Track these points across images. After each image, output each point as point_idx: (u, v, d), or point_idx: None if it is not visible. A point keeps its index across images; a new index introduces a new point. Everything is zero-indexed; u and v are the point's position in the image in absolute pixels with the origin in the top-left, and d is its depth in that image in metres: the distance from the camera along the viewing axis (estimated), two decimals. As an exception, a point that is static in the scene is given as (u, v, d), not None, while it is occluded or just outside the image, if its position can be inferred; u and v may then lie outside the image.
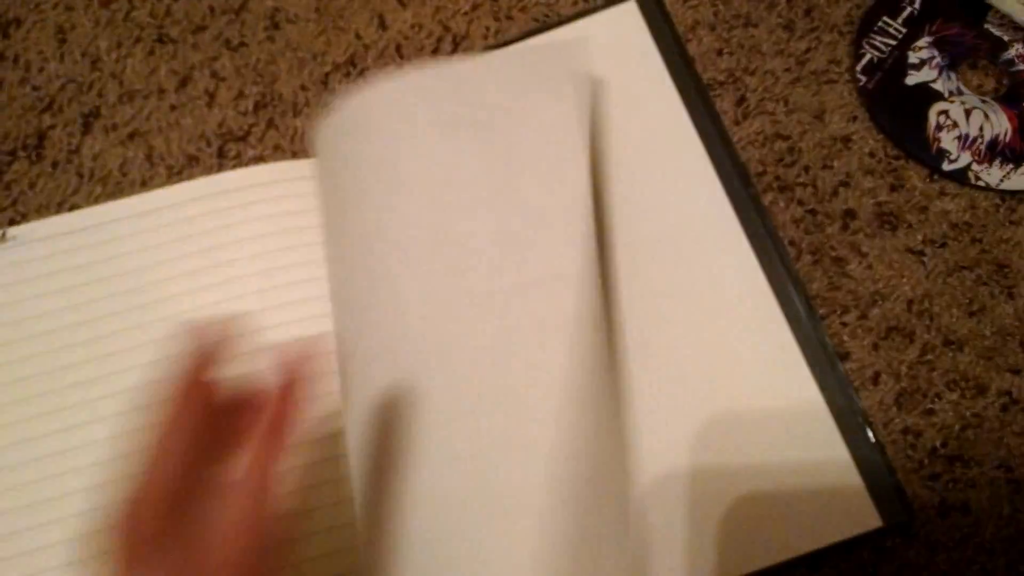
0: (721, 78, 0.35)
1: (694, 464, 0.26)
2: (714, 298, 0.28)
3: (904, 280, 0.32)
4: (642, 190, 0.29)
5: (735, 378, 0.27)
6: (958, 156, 0.33)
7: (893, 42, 0.35)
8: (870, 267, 0.32)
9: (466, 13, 0.36)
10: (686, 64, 0.30)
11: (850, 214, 0.33)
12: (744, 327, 0.27)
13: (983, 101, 0.34)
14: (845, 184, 0.33)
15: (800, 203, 0.33)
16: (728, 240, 0.28)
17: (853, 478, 0.25)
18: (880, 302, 0.32)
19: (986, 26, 0.35)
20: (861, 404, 0.29)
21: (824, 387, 0.26)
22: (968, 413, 0.30)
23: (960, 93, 0.34)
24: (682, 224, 0.29)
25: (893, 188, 0.33)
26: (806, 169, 0.33)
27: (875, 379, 0.31)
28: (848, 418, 0.26)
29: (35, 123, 0.35)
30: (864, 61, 0.35)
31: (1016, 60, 0.34)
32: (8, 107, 0.35)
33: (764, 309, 0.27)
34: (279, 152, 0.34)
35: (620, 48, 0.31)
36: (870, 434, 0.26)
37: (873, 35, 0.35)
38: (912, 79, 0.35)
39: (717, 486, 0.26)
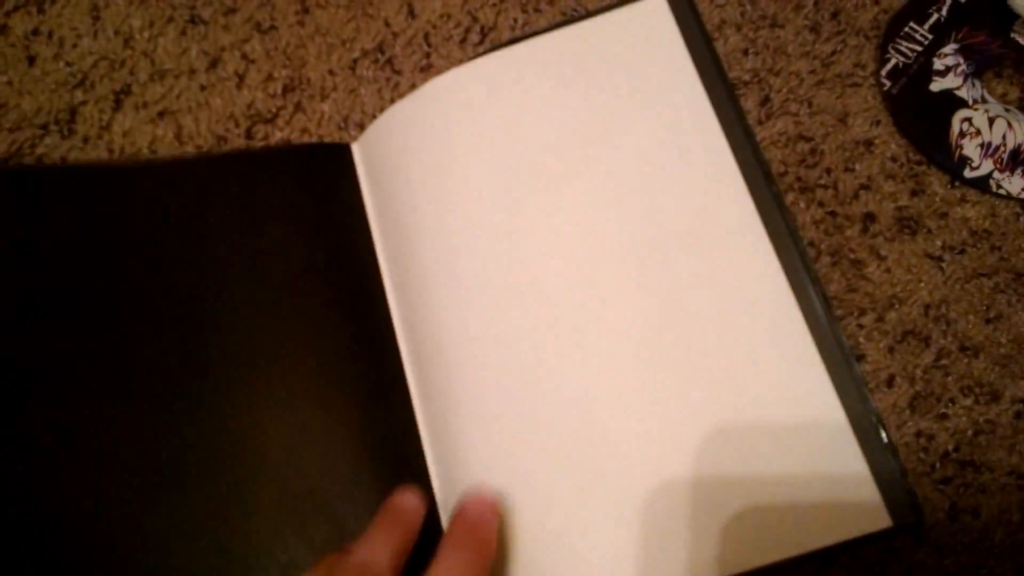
0: (746, 78, 0.35)
1: (704, 457, 0.26)
2: (731, 294, 0.28)
3: (922, 285, 0.32)
4: (662, 183, 0.30)
5: (749, 374, 0.27)
6: (980, 164, 0.33)
7: (919, 48, 0.35)
8: (888, 271, 0.32)
9: (495, 4, 0.37)
10: (714, 61, 0.30)
11: (870, 217, 0.33)
12: (760, 324, 0.27)
13: (1007, 110, 0.34)
14: (866, 187, 0.33)
15: (821, 204, 0.33)
16: (749, 238, 0.28)
17: (865, 477, 0.25)
18: (897, 306, 0.32)
19: (1012, 35, 0.35)
20: (876, 405, 0.29)
21: (839, 386, 0.26)
22: (981, 419, 0.31)
23: (984, 101, 0.34)
24: (702, 221, 0.29)
25: (914, 193, 0.33)
26: (828, 171, 0.34)
27: (889, 382, 0.31)
28: (862, 418, 0.26)
29: (67, 98, 0.35)
30: (889, 66, 0.35)
31: (1042, 70, 0.35)
32: (41, 82, 0.35)
33: (782, 306, 0.28)
34: (306, 135, 0.35)
35: (647, 42, 0.31)
36: (884, 435, 0.26)
37: (899, 40, 0.35)
38: (936, 85, 0.35)
39: (727, 480, 0.26)
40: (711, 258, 0.28)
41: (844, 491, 0.25)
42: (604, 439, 0.27)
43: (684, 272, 0.28)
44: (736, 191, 0.29)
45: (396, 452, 0.30)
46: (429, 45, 0.36)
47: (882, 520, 0.25)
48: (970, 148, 0.34)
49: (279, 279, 0.31)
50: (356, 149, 0.34)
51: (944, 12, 0.36)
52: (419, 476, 0.30)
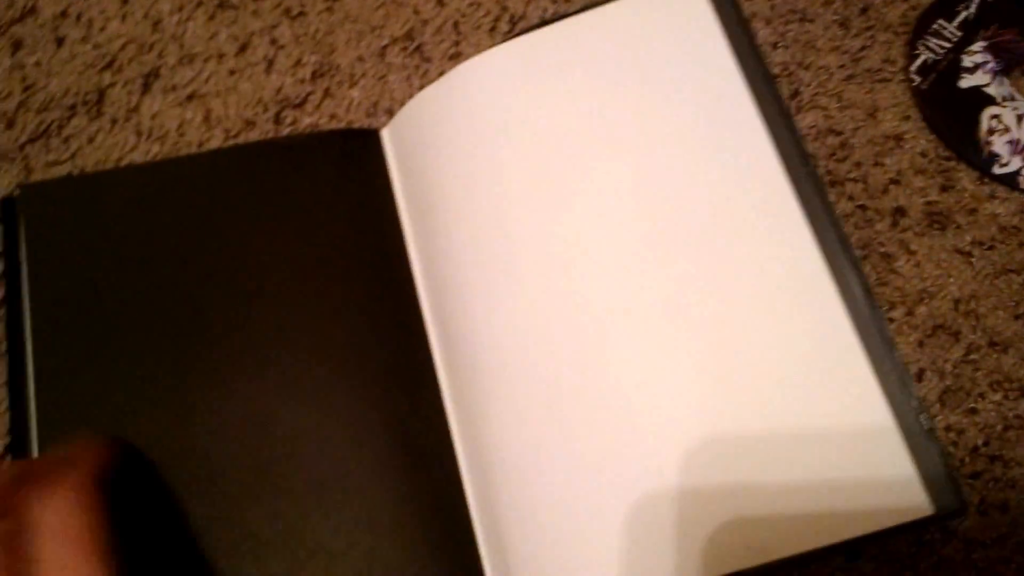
0: (776, 71, 0.35)
1: (740, 440, 0.26)
2: (769, 278, 0.28)
3: (951, 280, 0.32)
4: (695, 165, 0.29)
5: (787, 358, 0.27)
6: (1009, 160, 0.33)
7: (948, 45, 0.35)
8: (918, 265, 0.32)
9: (524, -6, 0.37)
10: (752, 47, 0.30)
11: (900, 212, 0.33)
12: (798, 307, 0.27)
13: (1036, 107, 0.34)
14: (896, 182, 0.33)
15: (850, 198, 0.33)
16: (788, 224, 0.28)
17: (906, 465, 0.25)
18: (927, 300, 0.32)
19: (1041, 34, 0.35)
20: (915, 392, 0.29)
21: (879, 371, 0.26)
22: (1011, 414, 0.30)
23: (1012, 99, 0.34)
24: (740, 206, 0.29)
25: (943, 188, 0.33)
26: (858, 165, 0.34)
27: (919, 376, 0.31)
28: (902, 403, 0.26)
29: (95, 80, 0.35)
30: (918, 62, 0.35)
31: (1071, 68, 0.35)
32: (70, 63, 0.35)
33: (820, 291, 0.27)
34: (335, 121, 0.35)
35: (679, 20, 0.31)
36: (923, 421, 0.26)
37: (928, 37, 0.35)
38: (965, 82, 0.35)
39: (764, 465, 0.26)
40: (747, 242, 0.28)
41: (885, 478, 0.25)
42: (638, 423, 0.27)
43: (720, 258, 0.28)
44: (773, 172, 0.29)
45: (424, 437, 0.30)
46: (458, 33, 0.36)
47: (924, 508, 0.25)
48: (999, 145, 0.34)
49: (308, 265, 0.31)
50: (385, 135, 0.34)
51: (973, 9, 0.36)
52: (446, 461, 0.29)
